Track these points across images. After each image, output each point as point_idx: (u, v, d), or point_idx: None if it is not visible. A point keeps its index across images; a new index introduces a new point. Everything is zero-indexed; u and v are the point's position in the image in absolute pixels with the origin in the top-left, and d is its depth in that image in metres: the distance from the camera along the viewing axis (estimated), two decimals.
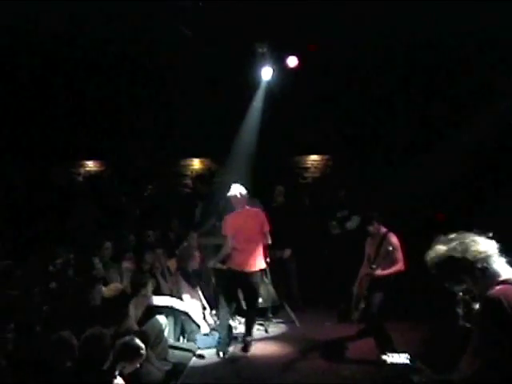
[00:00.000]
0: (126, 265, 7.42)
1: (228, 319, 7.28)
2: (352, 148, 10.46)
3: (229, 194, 7.23)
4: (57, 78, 10.24)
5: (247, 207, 7.24)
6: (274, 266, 7.97)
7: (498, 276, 2.74)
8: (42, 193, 10.44)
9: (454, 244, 2.83)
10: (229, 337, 7.22)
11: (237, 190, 7.19)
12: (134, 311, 6.37)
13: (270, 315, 8.23)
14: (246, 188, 7.27)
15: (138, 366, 4.64)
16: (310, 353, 6.84)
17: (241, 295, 7.47)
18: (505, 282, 2.71)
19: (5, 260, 6.63)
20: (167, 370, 6.02)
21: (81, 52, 9.50)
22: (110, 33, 8.73)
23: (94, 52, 9.51)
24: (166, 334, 6.50)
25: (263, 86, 9.89)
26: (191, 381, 6.10)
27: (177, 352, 6.70)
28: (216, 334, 7.23)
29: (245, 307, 7.50)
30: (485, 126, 8.53)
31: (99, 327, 4.70)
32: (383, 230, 6.49)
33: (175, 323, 7.10)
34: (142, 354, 4.62)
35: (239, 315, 8.00)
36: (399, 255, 6.37)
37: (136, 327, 5.88)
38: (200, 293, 7.94)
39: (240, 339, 7.29)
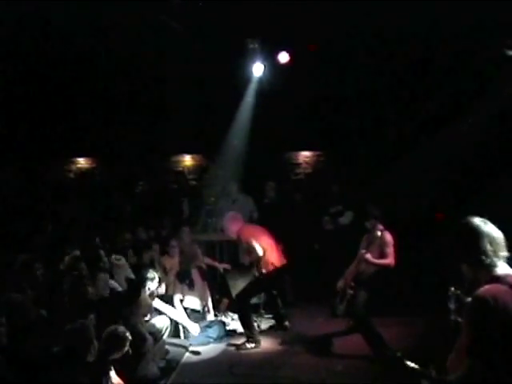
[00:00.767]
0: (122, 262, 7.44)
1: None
2: (344, 143, 10.47)
3: None
4: (48, 75, 10.17)
5: None
6: None
7: (494, 271, 2.74)
8: (33, 190, 10.41)
9: (488, 227, 2.83)
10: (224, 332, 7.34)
11: None
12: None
13: (262, 311, 8.24)
14: (238, 184, 7.29)
15: (135, 362, 4.68)
16: (303, 348, 6.86)
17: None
18: (497, 279, 2.71)
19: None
20: (161, 367, 6.04)
21: (72, 49, 9.44)
22: (101, 30, 8.69)
23: (85, 49, 9.45)
24: (166, 335, 6.54)
25: (254, 82, 9.88)
26: (184, 376, 6.10)
27: (170, 348, 6.73)
28: (209, 331, 7.25)
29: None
30: (479, 121, 8.56)
31: (83, 321, 4.70)
32: (380, 227, 6.50)
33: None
34: (128, 341, 4.66)
35: (232, 311, 8.04)
36: (390, 250, 6.37)
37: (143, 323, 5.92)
38: (207, 290, 7.98)
39: (233, 335, 7.36)
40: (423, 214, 8.76)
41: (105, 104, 10.82)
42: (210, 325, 7.45)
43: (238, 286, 8.20)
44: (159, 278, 6.82)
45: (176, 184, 11.25)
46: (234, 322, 7.86)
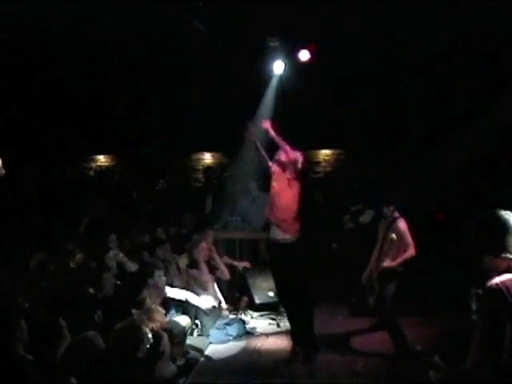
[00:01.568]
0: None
1: None
2: (364, 142, 10.42)
3: None
4: (71, 74, 10.27)
5: None
6: None
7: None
8: (54, 188, 10.49)
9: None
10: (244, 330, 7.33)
11: None
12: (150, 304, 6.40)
13: (282, 309, 8.22)
14: (258, 183, 7.27)
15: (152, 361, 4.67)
16: (322, 346, 6.83)
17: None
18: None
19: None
20: (179, 365, 6.04)
21: (92, 48, 9.53)
22: (124, 30, 8.76)
23: (106, 48, 9.53)
24: (188, 333, 6.55)
25: (275, 80, 9.86)
26: (203, 375, 6.11)
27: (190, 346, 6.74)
28: (228, 329, 7.26)
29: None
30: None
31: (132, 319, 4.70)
32: (396, 214, 6.46)
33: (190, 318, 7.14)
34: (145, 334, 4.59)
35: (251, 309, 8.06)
36: (408, 239, 6.25)
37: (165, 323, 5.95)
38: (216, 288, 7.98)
39: (252, 333, 7.36)
40: (446, 211, 8.68)
41: (126, 102, 10.90)
42: (229, 323, 7.45)
43: (257, 284, 8.22)
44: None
45: (205, 178, 11.26)
46: (253, 321, 7.86)
